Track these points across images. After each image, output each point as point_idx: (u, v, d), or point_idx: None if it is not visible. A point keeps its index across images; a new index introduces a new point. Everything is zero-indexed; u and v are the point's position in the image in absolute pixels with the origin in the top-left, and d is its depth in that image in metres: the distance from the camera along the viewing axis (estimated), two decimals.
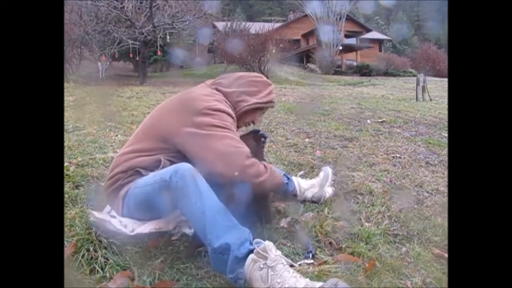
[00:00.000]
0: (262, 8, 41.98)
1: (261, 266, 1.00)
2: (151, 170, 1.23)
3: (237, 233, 1.06)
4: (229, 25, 15.37)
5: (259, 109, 1.46)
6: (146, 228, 1.22)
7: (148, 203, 1.18)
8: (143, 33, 12.20)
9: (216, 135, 1.21)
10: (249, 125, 1.50)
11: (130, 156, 1.30)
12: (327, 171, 1.78)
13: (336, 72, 18.88)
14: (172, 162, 1.22)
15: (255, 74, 1.56)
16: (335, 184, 1.86)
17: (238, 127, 1.44)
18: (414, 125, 4.11)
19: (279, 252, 1.06)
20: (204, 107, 1.25)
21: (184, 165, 1.14)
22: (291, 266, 1.18)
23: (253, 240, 1.08)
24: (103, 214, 1.30)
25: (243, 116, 1.42)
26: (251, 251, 1.04)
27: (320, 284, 0.97)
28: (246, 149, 1.25)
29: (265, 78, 1.53)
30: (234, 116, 1.34)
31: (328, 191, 1.74)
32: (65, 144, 2.52)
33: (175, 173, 1.12)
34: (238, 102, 1.40)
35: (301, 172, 2.06)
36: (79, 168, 2.01)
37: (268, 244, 1.06)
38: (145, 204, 1.20)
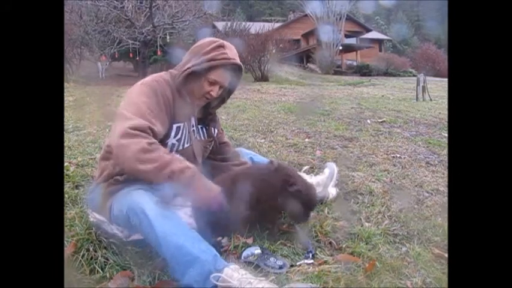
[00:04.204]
0: (262, 8, 41.94)
1: None
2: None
3: (198, 268, 1.02)
4: (229, 25, 15.34)
5: (194, 74, 1.30)
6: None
7: (127, 224, 1.19)
8: (143, 33, 12.23)
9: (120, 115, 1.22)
10: (207, 99, 1.38)
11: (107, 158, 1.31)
12: (332, 168, 1.74)
13: (336, 72, 18.88)
14: None
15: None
16: (336, 184, 1.85)
17: (197, 105, 1.39)
18: (414, 125, 4.11)
19: (242, 271, 1.03)
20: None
21: (136, 201, 1.13)
22: (291, 266, 1.19)
23: (220, 258, 1.06)
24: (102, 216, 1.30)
25: (185, 86, 1.33)
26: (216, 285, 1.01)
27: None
28: (125, 126, 1.14)
29: (209, 39, 1.36)
30: (163, 91, 1.27)
31: (332, 192, 1.71)
32: (65, 144, 2.52)
33: (130, 211, 1.12)
34: (175, 75, 1.33)
35: (306, 167, 2.05)
36: (79, 168, 2.01)
37: (227, 272, 1.02)
38: (126, 225, 1.21)
